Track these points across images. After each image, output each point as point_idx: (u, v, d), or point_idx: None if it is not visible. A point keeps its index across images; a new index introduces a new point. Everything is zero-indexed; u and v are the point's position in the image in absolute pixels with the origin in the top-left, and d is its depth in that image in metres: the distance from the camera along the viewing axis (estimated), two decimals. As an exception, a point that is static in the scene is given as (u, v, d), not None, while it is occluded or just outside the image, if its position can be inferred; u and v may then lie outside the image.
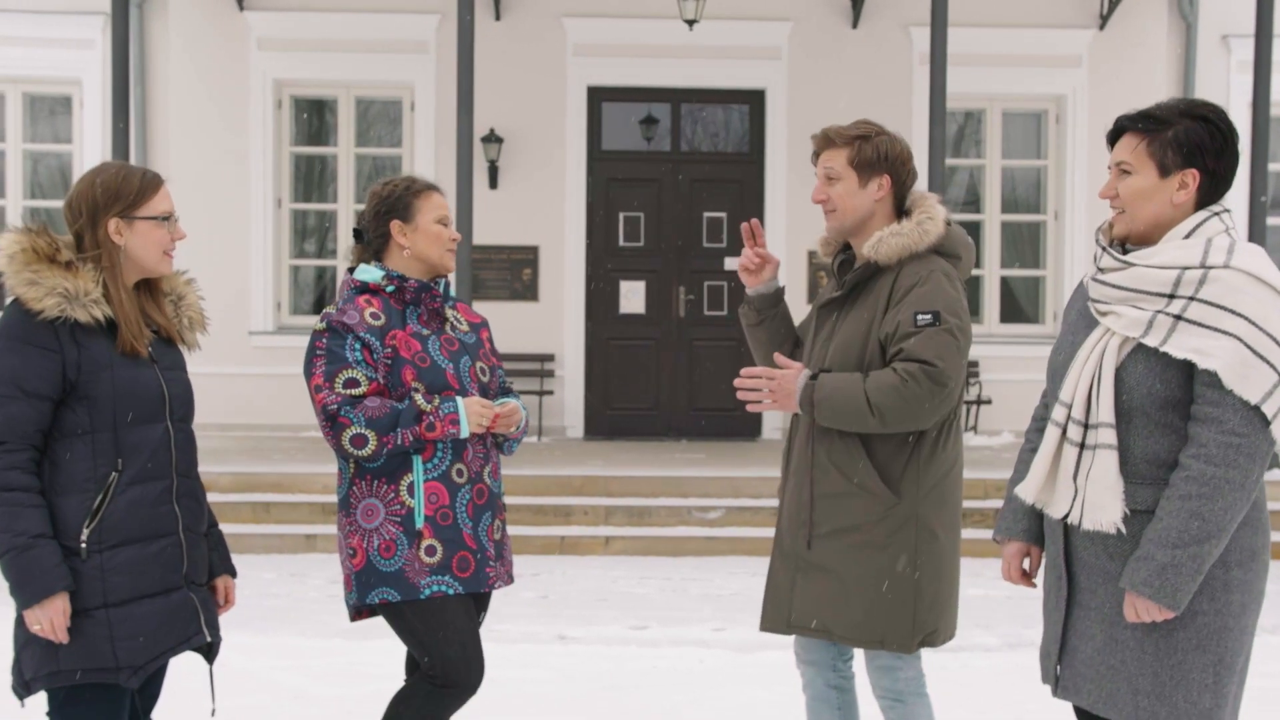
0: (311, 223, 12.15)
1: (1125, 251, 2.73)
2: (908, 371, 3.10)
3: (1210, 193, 2.69)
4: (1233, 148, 2.70)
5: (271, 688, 5.16)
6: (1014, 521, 2.97)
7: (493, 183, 11.40)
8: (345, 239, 11.83)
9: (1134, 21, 11.62)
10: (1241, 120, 11.79)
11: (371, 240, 3.42)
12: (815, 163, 3.39)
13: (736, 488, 8.91)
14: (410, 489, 3.27)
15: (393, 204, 3.39)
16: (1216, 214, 2.68)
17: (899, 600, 3.24)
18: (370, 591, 3.29)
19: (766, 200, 11.74)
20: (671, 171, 11.86)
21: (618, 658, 5.80)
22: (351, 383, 3.22)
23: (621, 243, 11.84)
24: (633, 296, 11.84)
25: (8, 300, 2.83)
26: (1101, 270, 2.74)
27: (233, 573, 3.19)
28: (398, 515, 3.27)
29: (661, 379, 11.80)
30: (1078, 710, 2.89)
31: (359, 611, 3.40)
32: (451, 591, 3.28)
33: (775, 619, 3.40)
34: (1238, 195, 10.97)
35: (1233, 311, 2.54)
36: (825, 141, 3.33)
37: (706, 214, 11.84)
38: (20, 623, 2.81)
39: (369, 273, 3.37)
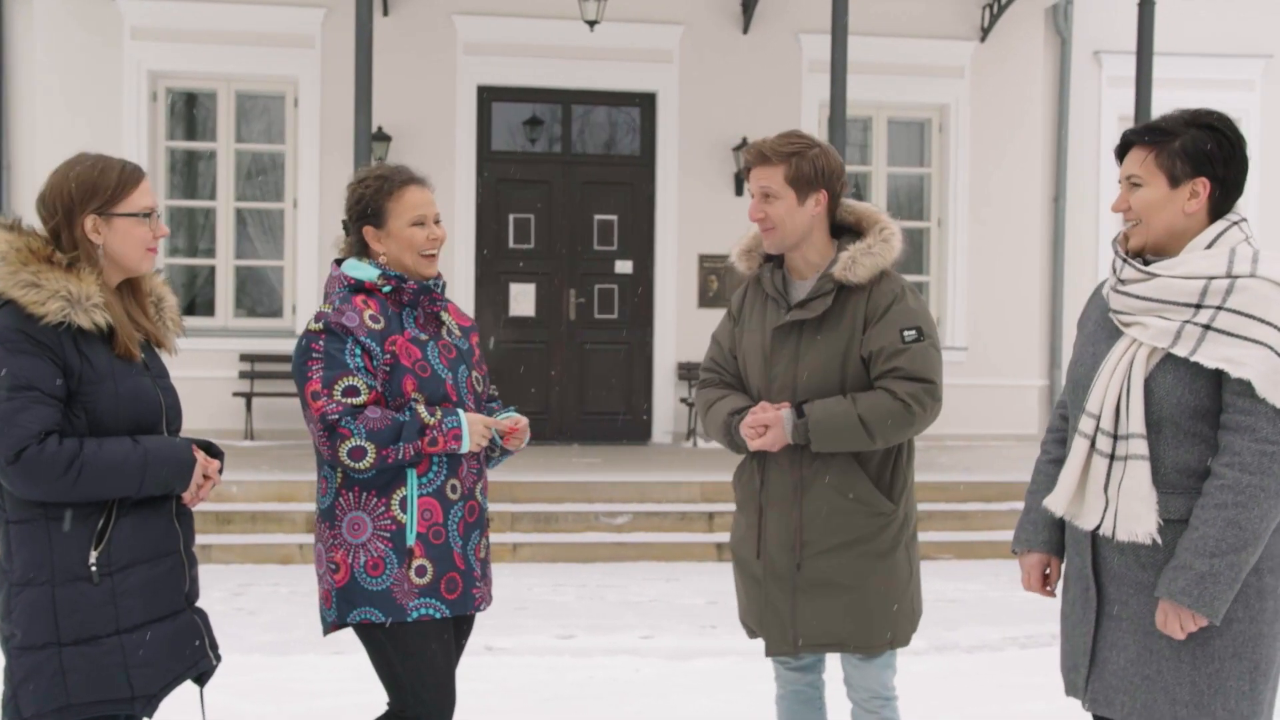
0: (188, 221, 11.68)
1: (1146, 263, 2.74)
2: (911, 394, 3.12)
3: (1222, 200, 2.71)
4: (1241, 155, 2.71)
5: (199, 706, 4.90)
6: (1034, 533, 2.97)
7: (380, 182, 11.11)
8: (225, 238, 11.44)
9: (1013, 35, 11.95)
10: (1112, 134, 12.27)
11: (354, 241, 3.23)
12: (747, 178, 3.32)
13: (643, 492, 8.85)
14: (403, 504, 3.08)
15: (363, 208, 3.18)
16: (1235, 223, 2.70)
17: (905, 600, 3.30)
18: (352, 610, 3.10)
19: (658, 203, 11.73)
20: (562, 173, 11.75)
21: (552, 668, 5.69)
22: (351, 391, 3.01)
23: (511, 244, 11.69)
24: (522, 299, 11.69)
25: None
26: (1123, 281, 2.73)
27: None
28: (387, 531, 3.08)
29: (551, 382, 11.68)
30: None
31: (332, 627, 3.23)
32: (439, 615, 3.13)
33: (780, 642, 3.32)
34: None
35: (1262, 320, 2.55)
36: (760, 158, 3.25)
37: (597, 216, 11.77)
38: (17, 656, 2.59)
39: (363, 270, 3.15)
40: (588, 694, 5.30)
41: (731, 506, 9.51)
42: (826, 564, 3.23)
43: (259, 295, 11.75)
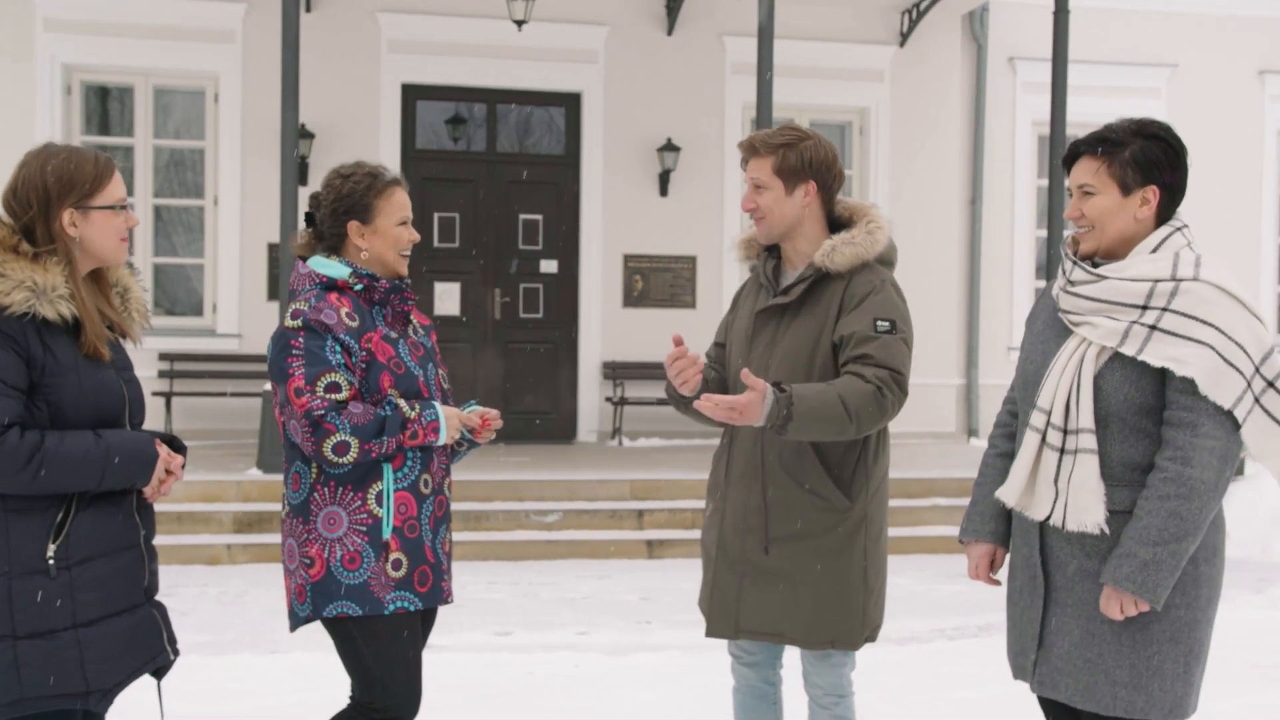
0: (104, 217, 11.45)
1: (1095, 265, 2.86)
2: (880, 379, 3.12)
3: (1168, 206, 2.85)
4: (1184, 162, 2.85)
5: (142, 708, 4.83)
6: (982, 523, 3.07)
7: (303, 179, 11.01)
8: (143, 235, 11.25)
9: (931, 40, 12.19)
10: (1027, 138, 12.58)
11: (326, 235, 3.23)
12: (744, 169, 3.39)
13: (572, 490, 8.89)
14: (379, 498, 3.11)
15: (351, 204, 3.17)
16: (1178, 229, 2.84)
17: (853, 602, 3.28)
18: (329, 604, 3.12)
19: (583, 203, 11.77)
20: (487, 172, 11.74)
21: (492, 665, 5.71)
22: (334, 387, 3.03)
23: (436, 244, 11.65)
24: (447, 298, 11.66)
25: None
26: (1073, 283, 2.86)
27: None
28: (363, 525, 3.11)
29: (477, 382, 11.65)
30: (1048, 705, 3.01)
31: (305, 622, 3.24)
32: (413, 608, 3.17)
33: (722, 624, 3.37)
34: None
35: (1204, 321, 2.69)
36: (750, 150, 3.33)
37: (523, 216, 11.78)
38: None
39: (334, 268, 3.16)
40: (529, 690, 5.33)
41: (660, 504, 9.57)
42: (776, 552, 3.26)
43: (178, 294, 11.57)
